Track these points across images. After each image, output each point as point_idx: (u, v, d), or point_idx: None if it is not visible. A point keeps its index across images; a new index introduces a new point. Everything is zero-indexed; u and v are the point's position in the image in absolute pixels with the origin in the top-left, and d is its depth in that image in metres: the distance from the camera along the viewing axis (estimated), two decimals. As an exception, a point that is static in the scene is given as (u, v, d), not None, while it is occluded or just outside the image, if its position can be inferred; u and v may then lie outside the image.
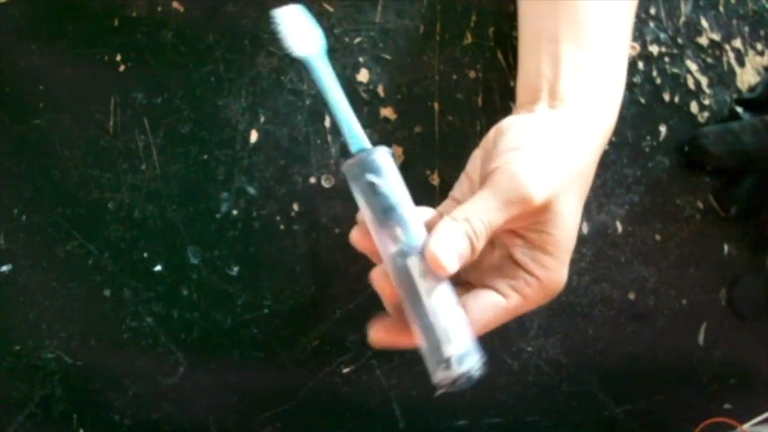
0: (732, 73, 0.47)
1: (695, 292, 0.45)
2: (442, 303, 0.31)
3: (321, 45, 0.35)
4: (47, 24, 0.41)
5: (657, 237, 0.45)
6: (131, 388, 0.40)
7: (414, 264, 0.31)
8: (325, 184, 0.41)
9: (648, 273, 0.44)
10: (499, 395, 0.43)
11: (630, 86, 0.45)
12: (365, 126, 0.41)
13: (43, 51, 0.40)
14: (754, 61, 0.47)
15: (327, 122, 0.41)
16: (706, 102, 0.46)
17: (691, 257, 0.45)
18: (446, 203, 0.37)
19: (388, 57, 0.42)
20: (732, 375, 0.46)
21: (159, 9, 0.41)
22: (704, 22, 0.46)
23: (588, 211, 0.44)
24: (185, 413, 0.41)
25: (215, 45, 0.41)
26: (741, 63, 0.47)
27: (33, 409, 0.40)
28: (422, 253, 0.31)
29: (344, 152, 0.41)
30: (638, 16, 0.45)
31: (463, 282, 0.35)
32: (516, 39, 0.43)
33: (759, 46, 0.47)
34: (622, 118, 0.44)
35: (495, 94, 0.43)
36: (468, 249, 0.31)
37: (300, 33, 0.35)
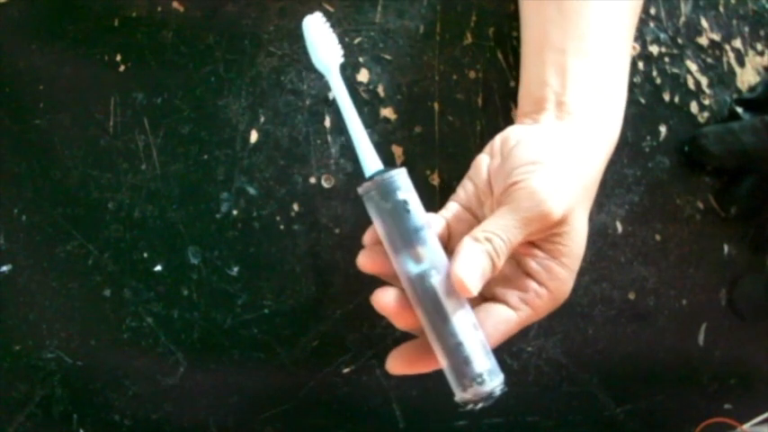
0: (732, 73, 0.47)
1: (695, 292, 0.45)
2: (466, 322, 0.32)
3: (340, 60, 0.35)
4: (47, 24, 0.41)
5: (657, 237, 0.45)
6: (131, 388, 0.40)
7: (439, 284, 0.32)
8: (325, 184, 0.41)
9: (648, 273, 0.44)
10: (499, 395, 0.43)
11: (630, 86, 0.45)
12: (365, 126, 0.41)
13: (43, 51, 0.40)
14: (754, 61, 0.47)
15: (327, 122, 0.41)
16: (706, 102, 0.46)
17: (691, 257, 0.45)
18: (449, 207, 0.37)
19: (388, 57, 0.42)
20: (732, 375, 0.46)
21: (159, 9, 0.41)
22: (704, 22, 0.46)
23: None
24: (185, 413, 0.41)
25: (215, 45, 0.41)
26: (741, 63, 0.47)
27: (33, 409, 0.40)
28: (444, 273, 0.32)
29: (344, 152, 0.41)
30: (638, 16, 0.45)
31: None
32: (517, 39, 0.43)
33: (759, 46, 0.47)
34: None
35: (495, 94, 0.43)
36: (490, 269, 0.31)
37: (323, 45, 0.35)
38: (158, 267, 0.40)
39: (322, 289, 0.41)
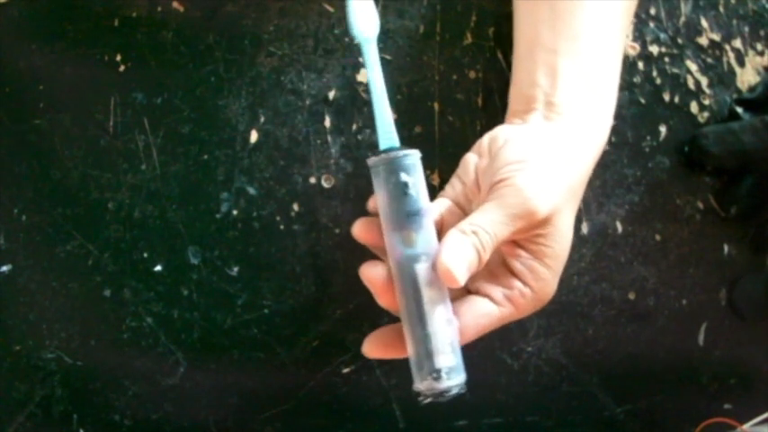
0: (732, 73, 0.47)
1: (695, 292, 0.45)
2: (440, 315, 0.32)
3: (377, 32, 0.35)
4: (47, 24, 0.41)
5: (657, 237, 0.45)
6: (131, 388, 0.40)
7: (422, 272, 0.32)
8: (325, 184, 0.41)
9: (648, 273, 0.44)
10: (499, 395, 0.43)
11: (630, 86, 0.45)
12: (365, 126, 0.41)
13: (43, 51, 0.40)
14: (754, 61, 0.47)
15: (327, 122, 0.41)
16: (706, 102, 0.46)
17: (691, 257, 0.45)
18: (439, 202, 0.37)
19: (388, 57, 0.42)
20: (732, 375, 0.46)
21: (159, 9, 0.41)
22: (704, 22, 0.46)
23: (588, 211, 0.44)
24: (185, 413, 0.41)
25: (215, 45, 0.41)
26: (741, 63, 0.47)
27: (33, 409, 0.40)
28: (430, 262, 0.32)
29: (344, 152, 0.41)
30: (638, 16, 0.45)
31: None
32: (516, 39, 0.43)
33: (759, 46, 0.47)
34: (622, 118, 0.44)
35: (495, 94, 0.43)
36: (477, 261, 0.31)
37: (365, 13, 0.35)
38: (158, 267, 0.40)
39: (322, 289, 0.41)
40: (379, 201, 0.33)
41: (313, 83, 0.41)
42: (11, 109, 0.40)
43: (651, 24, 0.45)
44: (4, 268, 0.40)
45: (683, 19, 0.46)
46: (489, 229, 0.32)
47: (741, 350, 0.46)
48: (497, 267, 0.35)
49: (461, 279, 0.30)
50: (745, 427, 0.45)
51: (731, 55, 0.47)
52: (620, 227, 0.44)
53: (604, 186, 0.44)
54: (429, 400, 0.32)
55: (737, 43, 0.47)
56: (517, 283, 0.34)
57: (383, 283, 0.33)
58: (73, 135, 0.40)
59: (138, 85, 0.40)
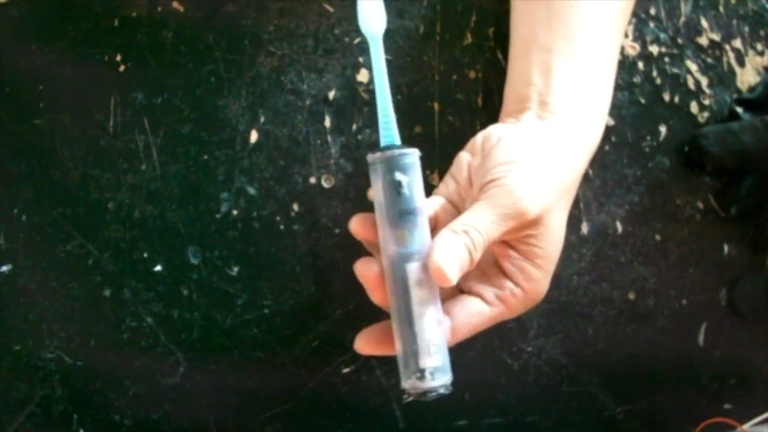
0: (732, 73, 0.47)
1: (695, 292, 0.45)
2: (428, 315, 0.32)
3: (383, 29, 0.35)
4: (47, 24, 0.40)
5: (657, 237, 0.45)
6: (131, 388, 0.40)
7: (412, 271, 0.32)
8: (325, 184, 0.41)
9: (648, 273, 0.44)
10: (499, 395, 0.43)
11: (630, 86, 0.45)
12: (365, 126, 0.41)
13: (43, 51, 0.40)
14: (754, 61, 0.47)
15: (327, 122, 0.41)
16: (706, 102, 0.46)
17: (691, 257, 0.45)
18: (434, 200, 0.37)
19: (388, 57, 0.42)
20: (732, 375, 0.46)
21: (159, 9, 0.41)
22: (704, 22, 0.46)
23: (588, 211, 0.44)
24: (185, 413, 0.41)
25: (215, 45, 0.41)
26: (741, 63, 0.47)
27: (33, 409, 0.40)
28: (422, 262, 0.32)
29: (344, 152, 0.41)
30: (638, 16, 0.45)
31: None
32: (516, 39, 0.43)
33: (759, 46, 0.47)
34: (622, 118, 0.44)
35: (495, 94, 0.43)
36: (468, 261, 0.31)
37: (374, 11, 0.35)
38: (158, 267, 0.40)
39: (322, 289, 0.41)
40: (375, 197, 0.34)
41: (313, 83, 0.41)
42: (11, 109, 0.40)
43: (651, 24, 0.45)
44: (4, 268, 0.40)
45: (683, 19, 0.46)
46: (480, 229, 0.32)
47: (741, 350, 0.46)
48: (489, 268, 0.35)
49: (453, 278, 0.30)
50: (745, 427, 0.45)
51: (731, 55, 0.47)
52: (620, 227, 0.44)
53: (604, 186, 0.44)
54: (412, 398, 0.32)
55: (737, 43, 0.47)
56: (508, 284, 0.34)
57: (375, 280, 0.33)
58: (73, 135, 0.40)
59: (138, 85, 0.40)
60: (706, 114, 0.46)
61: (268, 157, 0.41)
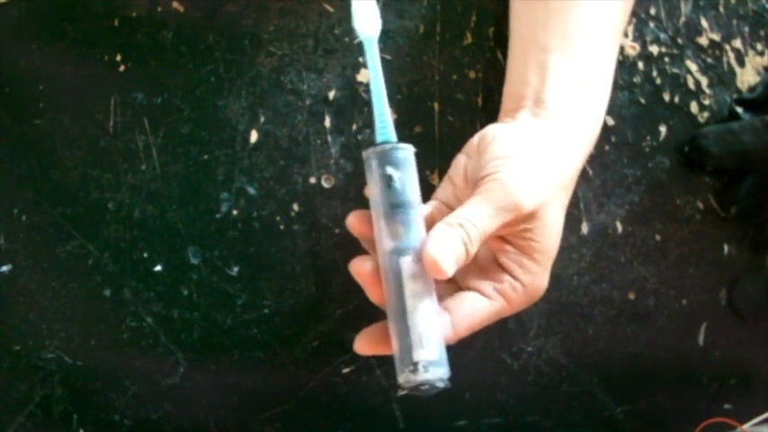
0: (732, 73, 0.47)
1: (695, 292, 0.45)
2: (423, 308, 0.32)
3: (379, 30, 0.35)
4: (47, 24, 0.41)
5: (657, 237, 0.45)
6: (131, 388, 0.40)
7: (406, 264, 0.32)
8: (326, 184, 0.41)
9: (648, 273, 0.44)
10: (499, 395, 0.43)
11: (630, 86, 0.45)
12: (365, 126, 0.41)
13: (43, 51, 0.40)
14: (754, 61, 0.47)
15: (327, 122, 0.41)
16: (706, 102, 0.46)
17: (691, 257, 0.45)
18: (431, 204, 0.37)
19: (388, 57, 0.42)
20: (732, 375, 0.46)
21: (159, 9, 0.41)
22: (704, 22, 0.46)
23: (588, 211, 0.44)
24: (185, 413, 0.41)
25: (215, 45, 0.41)
26: (741, 63, 0.47)
27: (33, 409, 0.40)
28: (416, 255, 0.32)
29: (344, 152, 0.41)
30: (638, 16, 0.45)
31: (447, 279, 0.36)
32: (516, 39, 0.43)
33: (759, 46, 0.47)
34: (622, 118, 0.44)
35: (495, 94, 0.43)
36: (464, 254, 0.31)
37: (368, 14, 0.35)
38: (158, 267, 0.40)
39: (322, 289, 0.41)
40: (370, 193, 0.34)
41: (313, 83, 0.41)
42: (11, 109, 0.40)
43: (651, 24, 0.45)
44: (4, 268, 0.40)
45: (683, 19, 0.46)
46: (476, 222, 0.32)
47: (741, 350, 0.46)
48: (488, 264, 0.35)
49: (448, 270, 0.30)
50: (745, 427, 0.45)
51: (731, 55, 0.47)
52: (620, 227, 0.44)
53: (604, 186, 0.44)
54: (405, 392, 0.32)
55: (737, 43, 0.47)
56: (507, 278, 0.34)
57: (370, 277, 0.33)
58: (73, 135, 0.40)
59: (138, 85, 0.40)
60: (706, 114, 0.46)
61: (268, 157, 0.41)
